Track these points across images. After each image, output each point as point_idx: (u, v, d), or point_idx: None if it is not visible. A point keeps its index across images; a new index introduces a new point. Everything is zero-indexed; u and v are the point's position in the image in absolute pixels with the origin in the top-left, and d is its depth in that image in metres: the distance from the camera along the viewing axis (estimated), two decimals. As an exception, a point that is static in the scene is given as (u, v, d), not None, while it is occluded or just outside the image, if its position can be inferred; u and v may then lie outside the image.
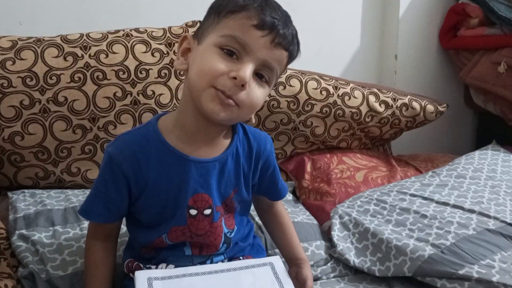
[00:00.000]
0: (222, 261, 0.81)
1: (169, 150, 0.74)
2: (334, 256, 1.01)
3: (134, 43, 1.12)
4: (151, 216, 0.77)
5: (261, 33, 0.68)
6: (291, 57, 0.75)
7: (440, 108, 1.42)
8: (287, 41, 0.71)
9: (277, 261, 0.80)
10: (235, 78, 0.68)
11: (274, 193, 0.90)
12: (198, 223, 0.77)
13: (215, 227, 0.78)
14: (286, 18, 0.72)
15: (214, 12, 0.72)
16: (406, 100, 1.37)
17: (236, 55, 0.69)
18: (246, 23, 0.68)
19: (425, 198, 1.11)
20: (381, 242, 0.99)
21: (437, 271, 0.90)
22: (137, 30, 1.16)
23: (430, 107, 1.40)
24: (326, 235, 1.07)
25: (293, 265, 0.87)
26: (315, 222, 1.12)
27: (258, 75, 0.71)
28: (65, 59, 1.06)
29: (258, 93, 0.71)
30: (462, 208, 1.06)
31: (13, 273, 0.80)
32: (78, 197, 1.05)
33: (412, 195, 1.13)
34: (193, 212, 0.76)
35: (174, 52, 1.13)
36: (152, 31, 1.16)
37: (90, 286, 0.77)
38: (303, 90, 1.26)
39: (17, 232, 0.91)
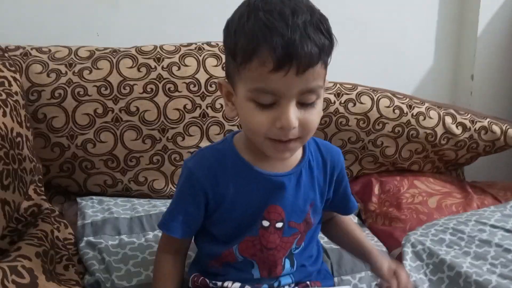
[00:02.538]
0: (289, 285, 0.77)
1: (245, 166, 0.74)
2: (406, 288, 0.95)
3: (205, 57, 1.12)
4: (225, 230, 0.76)
5: (283, 73, 0.61)
6: (328, 54, 0.65)
7: (523, 133, 1.31)
8: (313, 55, 0.61)
9: (348, 289, 0.76)
10: (282, 127, 0.65)
11: (346, 208, 0.86)
12: (269, 236, 0.75)
13: (285, 242, 0.76)
14: (297, 16, 0.61)
15: (230, 54, 0.67)
16: (485, 123, 1.28)
17: (272, 102, 0.64)
18: (263, 72, 0.61)
19: (507, 231, 1.02)
20: (458, 276, 0.91)
21: (525, 315, 0.81)
22: (208, 44, 1.16)
23: (511, 132, 1.30)
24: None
25: (369, 260, 0.84)
26: (384, 249, 1.06)
27: (303, 103, 0.65)
28: (138, 70, 1.08)
29: (311, 118, 0.67)
30: (551, 244, 0.96)
31: (80, 280, 0.81)
32: (143, 206, 1.05)
33: (492, 226, 1.04)
34: (266, 223, 0.75)
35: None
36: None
37: None
38: (375, 108, 1.21)
39: (85, 238, 0.92)
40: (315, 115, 0.67)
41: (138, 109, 1.06)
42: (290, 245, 0.77)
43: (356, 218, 1.19)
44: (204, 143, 1.11)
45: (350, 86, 1.24)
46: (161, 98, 1.07)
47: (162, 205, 1.05)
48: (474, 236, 1.01)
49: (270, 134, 0.66)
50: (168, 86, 1.08)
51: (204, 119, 1.10)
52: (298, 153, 0.77)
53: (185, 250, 0.81)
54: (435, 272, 0.95)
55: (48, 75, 1.04)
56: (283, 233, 0.75)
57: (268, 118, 0.65)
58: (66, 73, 1.05)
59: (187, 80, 1.09)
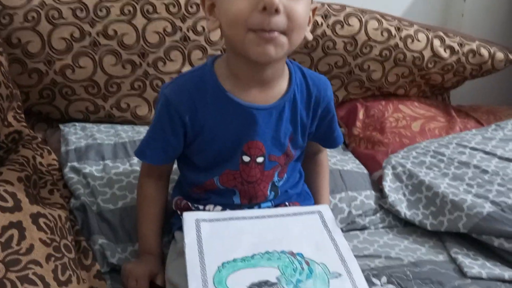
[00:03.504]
0: (269, 207, 0.79)
1: (226, 96, 0.72)
2: (384, 207, 0.98)
3: (185, -25, 1.07)
4: (205, 159, 0.76)
5: None
6: None
7: (511, 56, 1.30)
8: None
9: (326, 209, 0.78)
10: (264, 8, 0.61)
11: (330, 141, 0.86)
12: (250, 170, 0.75)
13: (266, 176, 0.77)
14: None
15: None
16: (474, 46, 1.26)
17: None
18: None
19: (486, 153, 1.04)
20: (436, 195, 0.94)
21: (496, 230, 0.85)
22: (188, -40, 1.10)
23: (499, 55, 1.28)
24: (376, 185, 1.04)
25: None
26: (365, 171, 1.08)
27: None
28: (115, -10, 1.03)
29: (297, 8, 0.64)
30: (528, 165, 0.98)
31: (65, 204, 0.82)
32: (127, 132, 1.05)
33: (472, 148, 1.06)
34: (246, 159, 0.75)
35: None
36: (204, -38, 1.10)
37: (143, 223, 0.78)
38: (363, 31, 1.17)
39: (69, 164, 0.92)
40: (301, 6, 0.64)
41: (116, 32, 1.02)
42: (271, 177, 0.77)
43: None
44: (186, 69, 1.09)
45: (338, 7, 1.19)
46: (139, 21, 1.03)
47: (146, 132, 1.05)
48: (454, 158, 1.03)
49: (252, 21, 0.62)
50: (146, 7, 1.03)
51: (185, 43, 1.07)
52: (283, 85, 0.74)
53: (168, 174, 0.82)
54: (413, 192, 0.98)
55: (18, -3, 0.99)
56: (264, 167, 0.76)
57: (248, 2, 0.62)
58: (38, -7, 1.00)
59: (166, 1, 1.04)
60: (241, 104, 0.71)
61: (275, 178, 0.78)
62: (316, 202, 0.86)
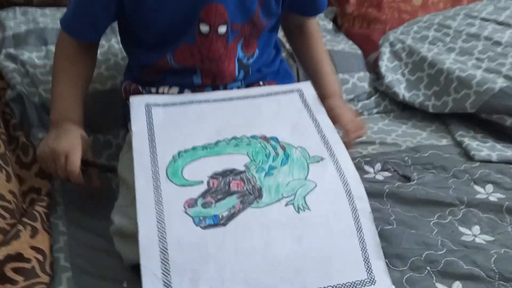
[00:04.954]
0: (238, 87, 0.66)
1: None
2: (380, 90, 0.86)
3: None
4: (153, 33, 0.62)
5: None
6: None
7: None
8: None
9: (308, 87, 0.65)
10: None
11: (310, 5, 0.69)
12: (210, 44, 0.61)
13: (229, 50, 0.62)
14: None
15: None
16: None
17: None
18: None
19: (499, 23, 0.90)
20: (440, 73, 0.82)
21: (509, 107, 0.74)
22: None
23: None
24: (372, 68, 0.90)
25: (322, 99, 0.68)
26: (359, 51, 0.94)
27: None
28: None
29: None
30: (547, 35, 0.84)
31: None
32: (76, 15, 0.89)
33: (483, 19, 0.92)
34: (205, 28, 0.60)
35: None
36: None
37: (59, 81, 0.62)
38: None
39: (4, 51, 0.79)
40: None
41: None
42: (235, 52, 0.63)
43: (331, 23, 1.04)
44: None
45: None
46: None
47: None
48: (462, 30, 0.89)
49: None
50: None
51: None
52: None
53: (96, 44, 0.67)
54: (414, 71, 0.85)
55: None
56: (228, 39, 0.61)
57: None
58: None
59: None
60: None
61: (240, 54, 0.64)
62: (321, 85, 0.69)
